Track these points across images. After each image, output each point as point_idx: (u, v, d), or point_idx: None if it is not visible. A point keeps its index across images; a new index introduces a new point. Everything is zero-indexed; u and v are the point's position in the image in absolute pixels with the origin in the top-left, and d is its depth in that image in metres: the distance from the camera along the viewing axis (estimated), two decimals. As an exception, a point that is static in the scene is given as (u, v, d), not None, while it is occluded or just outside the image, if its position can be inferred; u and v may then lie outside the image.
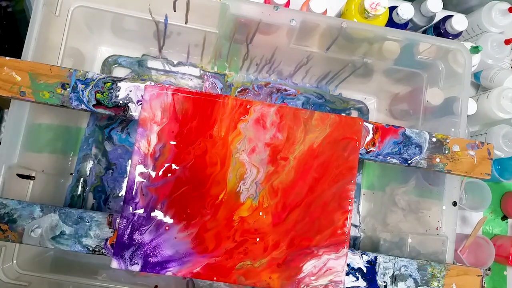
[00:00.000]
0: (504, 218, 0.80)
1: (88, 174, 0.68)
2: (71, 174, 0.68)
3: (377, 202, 0.73)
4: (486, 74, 0.78)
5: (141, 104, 0.48)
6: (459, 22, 0.70)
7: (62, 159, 0.66)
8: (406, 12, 0.67)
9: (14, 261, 0.54)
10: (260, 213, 0.48)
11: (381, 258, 0.49)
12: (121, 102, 0.48)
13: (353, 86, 0.75)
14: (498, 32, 0.75)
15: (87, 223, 0.46)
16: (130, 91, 0.48)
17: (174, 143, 0.48)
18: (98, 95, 0.47)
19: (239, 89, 0.73)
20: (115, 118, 0.70)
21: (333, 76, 0.72)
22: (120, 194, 0.68)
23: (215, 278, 0.46)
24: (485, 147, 0.52)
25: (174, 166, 0.47)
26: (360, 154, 0.50)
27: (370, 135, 0.51)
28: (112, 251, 0.45)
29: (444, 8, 0.72)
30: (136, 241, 0.45)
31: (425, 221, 0.59)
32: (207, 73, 0.73)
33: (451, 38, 0.72)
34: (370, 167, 0.76)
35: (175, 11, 0.58)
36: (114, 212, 0.54)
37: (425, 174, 0.60)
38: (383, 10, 0.64)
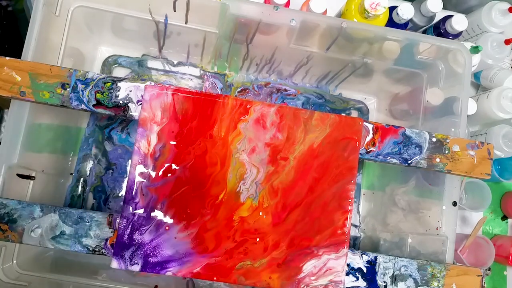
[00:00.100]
0: (504, 218, 0.80)
1: (88, 174, 0.68)
2: (71, 174, 0.68)
3: (377, 202, 0.73)
4: (486, 74, 0.78)
5: (141, 104, 0.48)
6: (459, 22, 0.70)
7: (62, 159, 0.66)
8: (406, 12, 0.67)
9: (14, 261, 0.53)
10: (260, 213, 0.48)
11: (381, 258, 0.49)
12: (121, 102, 0.48)
13: (353, 86, 0.75)
14: (498, 32, 0.75)
15: (87, 223, 0.46)
16: (130, 91, 0.48)
17: (174, 143, 0.48)
18: (98, 95, 0.47)
19: (239, 89, 0.73)
20: (115, 118, 0.70)
21: (333, 76, 0.72)
22: (120, 194, 0.68)
23: (215, 278, 0.46)
24: (485, 147, 0.52)
25: (174, 166, 0.47)
26: (360, 154, 0.50)
27: (370, 135, 0.51)
28: (112, 251, 0.45)
29: (444, 8, 0.72)
30: (136, 241, 0.45)
31: (425, 221, 0.59)
32: (207, 73, 0.73)
33: (451, 38, 0.72)
34: (370, 167, 0.76)
35: (175, 11, 0.58)
36: (114, 212, 0.54)
37: (425, 174, 0.60)
38: (383, 10, 0.64)
